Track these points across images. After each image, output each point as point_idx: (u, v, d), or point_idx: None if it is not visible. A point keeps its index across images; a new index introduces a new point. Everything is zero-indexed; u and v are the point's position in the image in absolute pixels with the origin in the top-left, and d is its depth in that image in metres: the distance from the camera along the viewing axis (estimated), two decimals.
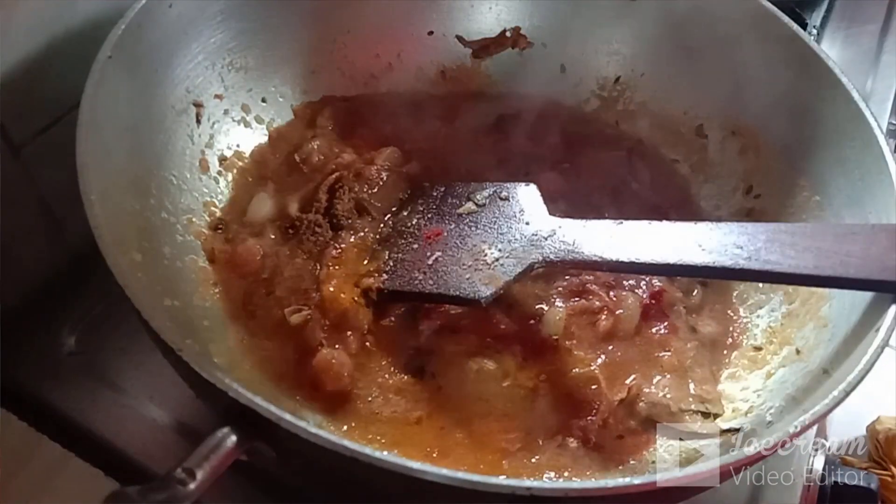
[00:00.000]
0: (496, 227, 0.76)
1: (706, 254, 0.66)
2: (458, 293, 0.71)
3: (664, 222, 0.70)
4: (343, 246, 0.77)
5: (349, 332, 0.72)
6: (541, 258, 0.72)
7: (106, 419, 0.73)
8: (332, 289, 0.73)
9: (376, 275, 0.75)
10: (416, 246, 0.77)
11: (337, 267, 0.75)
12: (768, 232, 0.65)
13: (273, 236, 0.79)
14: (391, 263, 0.75)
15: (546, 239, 0.73)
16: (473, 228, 0.77)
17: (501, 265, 0.72)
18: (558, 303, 0.76)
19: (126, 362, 0.77)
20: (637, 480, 0.48)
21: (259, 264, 0.76)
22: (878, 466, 0.97)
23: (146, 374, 0.76)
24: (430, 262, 0.74)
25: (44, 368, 0.76)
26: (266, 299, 0.73)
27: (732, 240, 0.65)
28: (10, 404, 0.72)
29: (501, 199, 0.78)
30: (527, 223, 0.75)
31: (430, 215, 0.80)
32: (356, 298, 0.73)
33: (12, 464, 0.69)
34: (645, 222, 0.71)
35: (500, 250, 0.74)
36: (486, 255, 0.73)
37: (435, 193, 0.82)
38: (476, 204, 0.79)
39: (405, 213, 0.81)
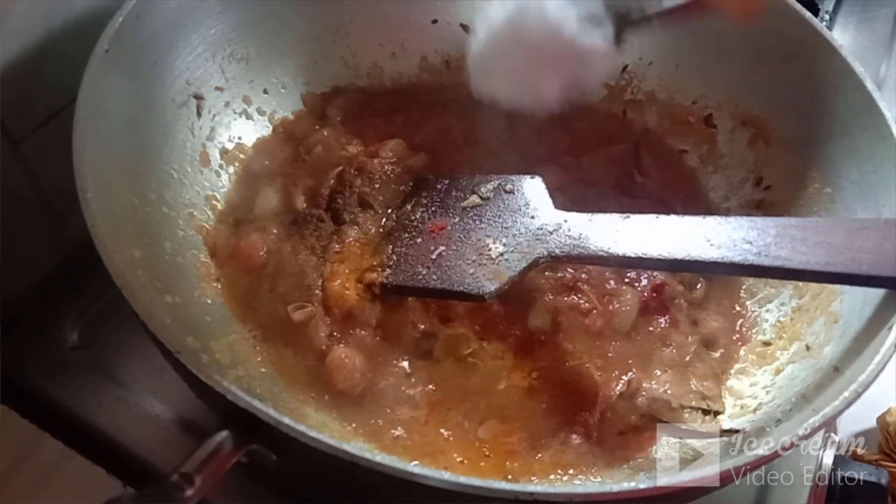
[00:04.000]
0: (501, 220, 0.75)
1: (715, 249, 0.64)
2: (461, 288, 0.70)
3: (672, 216, 0.69)
4: (347, 241, 0.76)
5: (359, 329, 0.72)
6: (546, 253, 0.71)
7: (108, 415, 0.73)
8: (336, 286, 0.72)
9: (379, 269, 0.74)
10: (419, 240, 0.75)
11: (341, 263, 0.74)
12: (779, 226, 0.64)
13: (276, 231, 0.78)
14: (394, 258, 0.74)
15: (551, 233, 0.72)
16: (478, 222, 0.75)
17: (506, 260, 0.71)
18: (548, 296, 0.76)
19: (129, 357, 0.77)
20: (642, 485, 0.47)
21: (262, 259, 0.76)
22: (888, 458, 0.95)
23: (149, 370, 0.75)
24: (433, 256, 0.73)
25: (46, 364, 0.76)
26: (269, 296, 0.73)
27: (742, 234, 0.64)
28: (11, 400, 0.72)
29: (506, 192, 0.77)
30: (532, 217, 0.74)
31: (433, 209, 0.78)
32: (361, 294, 0.73)
33: (13, 461, 0.69)
34: (652, 216, 0.69)
35: (504, 245, 0.72)
36: (490, 250, 0.72)
37: (439, 186, 0.81)
38: (480, 197, 0.77)
39: (409, 207, 0.80)
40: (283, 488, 0.68)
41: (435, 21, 0.93)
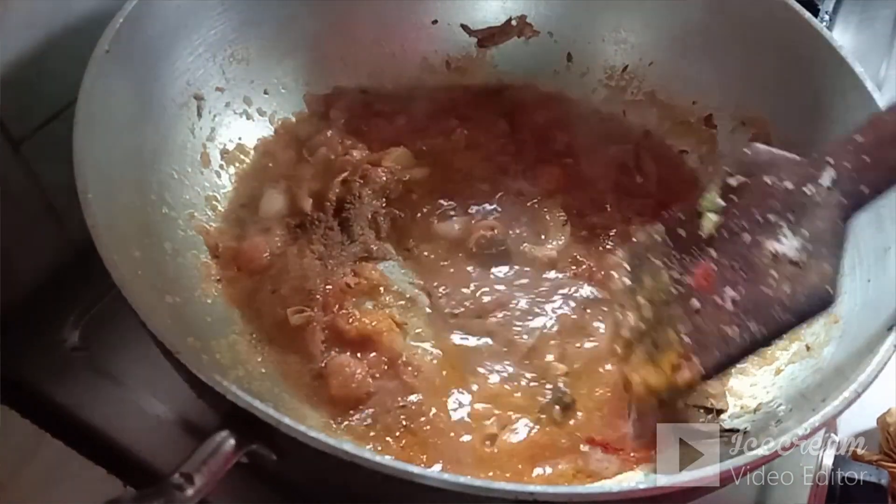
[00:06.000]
0: (761, 213, 0.57)
1: None
2: (797, 314, 0.55)
3: None
4: (365, 273, 0.76)
5: (375, 353, 0.71)
6: (854, 197, 0.53)
7: (109, 415, 0.73)
8: (374, 325, 0.72)
9: (684, 361, 0.60)
10: (697, 303, 0.60)
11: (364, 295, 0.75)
12: None
13: (280, 233, 0.78)
14: (689, 341, 0.59)
15: (832, 165, 0.54)
16: (739, 237, 0.58)
17: (813, 248, 0.54)
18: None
19: (130, 358, 0.76)
20: (642, 485, 0.47)
21: (266, 262, 0.76)
22: (889, 459, 0.95)
23: (150, 370, 0.75)
24: (729, 307, 0.58)
25: (47, 364, 0.75)
26: (270, 297, 0.73)
27: None
28: (11, 400, 0.72)
29: (733, 184, 0.59)
30: (792, 177, 0.55)
31: (676, 263, 0.62)
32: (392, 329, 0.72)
33: (14, 462, 0.68)
34: None
35: (793, 232, 0.55)
36: (784, 253, 0.56)
37: (657, 239, 0.64)
38: (715, 211, 0.60)
39: (645, 282, 0.65)
40: (283, 488, 0.68)
41: (435, 21, 0.93)
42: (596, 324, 0.75)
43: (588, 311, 0.76)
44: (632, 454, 0.67)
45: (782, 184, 0.57)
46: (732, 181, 0.60)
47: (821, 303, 0.55)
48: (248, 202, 0.81)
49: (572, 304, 0.77)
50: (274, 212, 0.80)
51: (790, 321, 0.56)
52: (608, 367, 0.72)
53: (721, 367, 0.58)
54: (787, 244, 0.56)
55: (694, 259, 0.61)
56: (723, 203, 0.60)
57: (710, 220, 0.60)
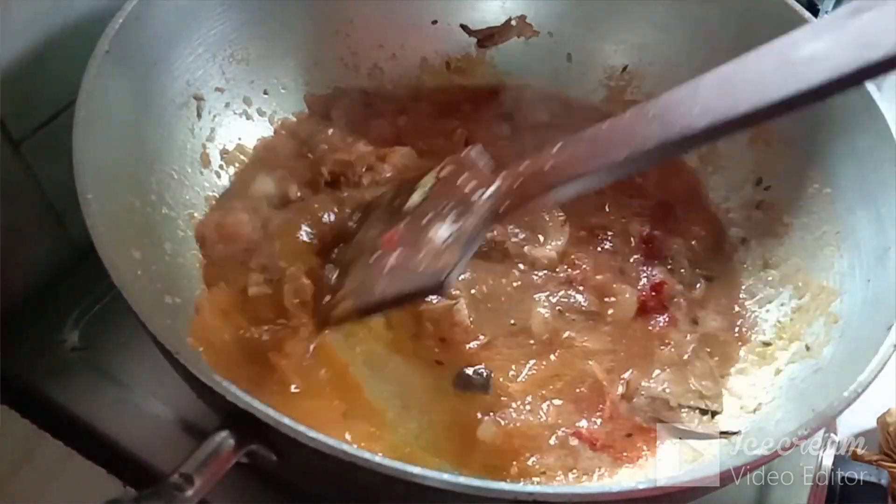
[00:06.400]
0: (443, 206, 0.67)
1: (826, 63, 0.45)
2: (415, 286, 0.64)
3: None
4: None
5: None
6: (490, 210, 0.63)
7: (109, 416, 0.73)
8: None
9: (343, 302, 0.68)
10: (375, 258, 0.69)
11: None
12: None
13: (266, 211, 0.78)
14: (354, 285, 0.69)
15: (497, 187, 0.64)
16: (425, 218, 0.67)
17: (454, 240, 0.64)
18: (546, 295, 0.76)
19: (130, 358, 0.76)
20: (642, 485, 0.47)
21: (246, 238, 0.75)
22: (888, 459, 0.96)
23: (150, 370, 0.75)
24: (387, 268, 0.66)
25: (46, 364, 0.76)
26: (238, 269, 0.72)
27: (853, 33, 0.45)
28: (11, 400, 0.72)
29: (448, 177, 0.69)
30: (472, 187, 0.66)
31: (384, 224, 0.71)
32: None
33: (14, 462, 0.69)
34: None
35: (449, 227, 0.65)
36: (437, 239, 0.64)
37: (385, 197, 0.75)
38: (423, 193, 0.70)
39: (365, 231, 0.74)
40: (283, 488, 0.68)
41: (435, 22, 0.93)
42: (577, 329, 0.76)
43: (568, 314, 0.77)
44: (623, 453, 0.68)
45: (465, 185, 0.67)
46: (443, 172, 0.70)
47: (433, 285, 0.62)
48: (241, 187, 0.80)
49: (559, 308, 0.77)
50: (262, 193, 0.79)
51: (410, 292, 0.64)
52: (590, 362, 0.73)
53: (363, 311, 0.66)
54: (443, 232, 0.65)
55: (393, 224, 0.69)
56: (430, 185, 0.70)
57: (413, 200, 0.70)
